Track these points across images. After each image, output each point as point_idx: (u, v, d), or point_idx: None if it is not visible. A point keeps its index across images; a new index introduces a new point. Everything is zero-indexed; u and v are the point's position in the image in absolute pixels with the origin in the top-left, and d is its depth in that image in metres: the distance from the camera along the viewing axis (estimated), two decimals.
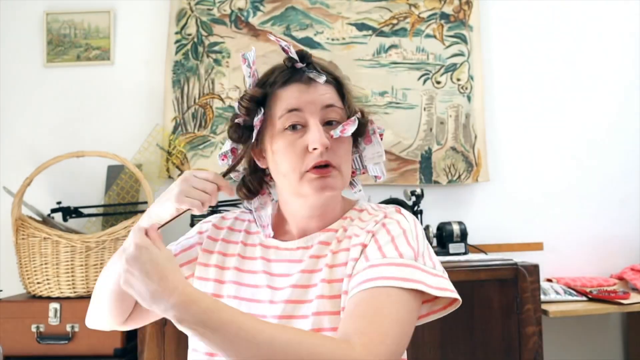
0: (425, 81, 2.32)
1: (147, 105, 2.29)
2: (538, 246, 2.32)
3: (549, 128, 2.38)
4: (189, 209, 0.89)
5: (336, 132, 0.87)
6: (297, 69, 0.90)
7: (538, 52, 2.40)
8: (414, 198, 2.08)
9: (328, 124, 0.88)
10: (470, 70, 2.33)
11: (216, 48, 2.29)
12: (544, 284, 2.03)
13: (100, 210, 2.14)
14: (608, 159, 2.39)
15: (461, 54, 2.34)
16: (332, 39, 2.31)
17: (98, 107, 2.29)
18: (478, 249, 2.17)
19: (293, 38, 2.29)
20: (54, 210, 2.04)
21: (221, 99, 2.27)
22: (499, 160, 2.35)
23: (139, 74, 2.30)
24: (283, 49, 0.89)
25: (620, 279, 2.22)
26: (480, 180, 2.30)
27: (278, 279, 0.91)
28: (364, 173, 0.98)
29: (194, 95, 2.27)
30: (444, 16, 2.34)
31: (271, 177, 0.96)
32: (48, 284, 1.82)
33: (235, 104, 0.93)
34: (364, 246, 0.86)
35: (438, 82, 2.32)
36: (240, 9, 2.30)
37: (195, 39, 2.29)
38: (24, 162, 2.21)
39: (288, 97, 0.87)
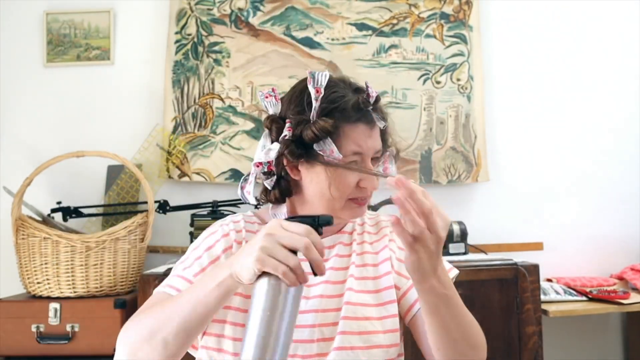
0: (425, 81, 2.32)
1: (147, 105, 2.29)
2: (538, 246, 2.32)
3: (549, 128, 2.38)
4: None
5: (380, 172, 0.98)
6: (364, 108, 0.95)
7: (538, 52, 2.40)
8: None
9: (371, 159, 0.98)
10: (470, 70, 2.33)
11: (216, 48, 2.29)
12: (544, 284, 2.03)
13: (100, 210, 2.14)
14: (608, 159, 2.39)
15: (461, 54, 2.34)
16: (332, 39, 2.31)
17: (98, 107, 2.29)
18: (478, 249, 2.17)
19: (293, 38, 2.29)
20: (54, 210, 2.04)
21: (221, 99, 2.27)
22: (499, 160, 2.35)
23: (139, 74, 2.30)
24: (367, 92, 0.95)
25: (620, 279, 2.22)
26: (480, 180, 2.30)
27: (308, 276, 0.94)
28: None
29: (194, 95, 2.27)
30: (444, 16, 2.34)
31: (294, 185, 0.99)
32: (48, 284, 1.82)
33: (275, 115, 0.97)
34: (392, 251, 1.01)
35: (438, 82, 2.32)
36: (240, 9, 2.30)
37: (195, 39, 2.29)
38: (24, 162, 2.21)
39: (356, 138, 0.93)
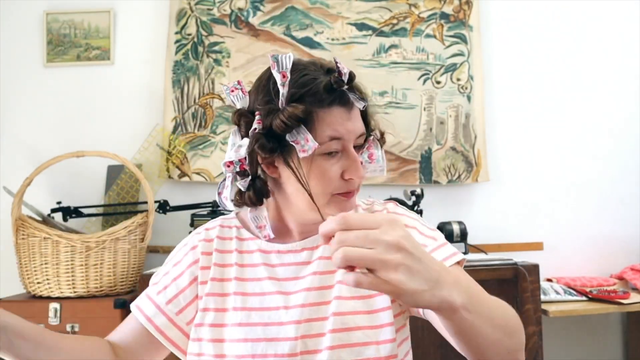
0: (425, 81, 2.32)
1: (147, 105, 2.29)
2: (538, 246, 2.32)
3: (549, 128, 2.38)
4: None
5: (365, 160, 0.90)
6: (340, 89, 0.86)
7: (538, 52, 2.40)
8: (414, 198, 2.08)
9: (354, 146, 0.88)
10: (470, 70, 2.33)
11: (216, 48, 2.29)
12: (544, 284, 2.03)
13: (100, 210, 2.14)
14: (608, 159, 2.39)
15: (461, 54, 2.34)
16: (332, 39, 2.31)
17: (98, 107, 2.29)
18: (478, 249, 2.17)
19: (293, 38, 2.29)
20: (54, 210, 2.04)
21: (221, 99, 2.27)
22: (499, 160, 2.35)
23: (139, 74, 2.30)
24: (338, 70, 0.84)
25: (620, 278, 2.22)
26: (480, 180, 2.30)
27: (287, 283, 0.89)
28: None
29: (194, 95, 2.27)
30: (444, 16, 2.34)
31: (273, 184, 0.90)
32: (48, 284, 1.82)
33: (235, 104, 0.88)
34: None
35: (438, 82, 2.32)
36: (240, 9, 2.30)
37: (195, 39, 2.29)
38: (24, 162, 2.21)
39: (332, 122, 0.84)
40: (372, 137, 0.92)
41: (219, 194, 0.90)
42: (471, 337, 0.69)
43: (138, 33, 2.32)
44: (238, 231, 0.95)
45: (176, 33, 2.29)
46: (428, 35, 2.34)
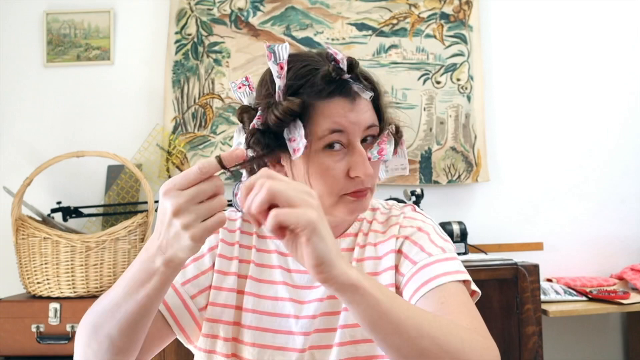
0: (425, 81, 2.32)
1: (147, 105, 2.29)
2: (538, 246, 2.32)
3: (549, 128, 2.38)
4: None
5: (374, 155, 0.81)
6: (341, 79, 0.79)
7: (538, 52, 2.40)
8: (414, 198, 2.08)
9: (363, 140, 0.81)
10: (470, 70, 2.33)
11: (216, 48, 2.29)
12: (544, 284, 2.03)
13: (100, 210, 2.14)
14: (608, 159, 2.39)
15: (461, 54, 2.34)
16: (332, 39, 2.31)
17: (98, 107, 2.29)
18: (478, 249, 2.17)
19: (293, 38, 2.29)
20: (54, 210, 2.04)
21: (221, 99, 2.27)
22: (499, 160, 2.35)
23: (139, 74, 2.30)
24: (334, 58, 0.79)
25: (620, 279, 2.22)
26: (480, 180, 2.30)
27: (302, 291, 0.85)
28: None
29: (194, 95, 2.27)
30: (444, 16, 2.34)
31: None
32: (48, 284, 1.82)
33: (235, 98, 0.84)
34: (398, 252, 0.84)
35: (438, 82, 2.32)
36: (240, 9, 2.30)
37: (195, 39, 2.29)
38: (24, 162, 2.21)
39: (333, 114, 0.77)
40: (386, 132, 0.84)
41: (235, 195, 0.83)
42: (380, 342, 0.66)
43: (138, 33, 2.32)
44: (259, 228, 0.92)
45: (176, 33, 2.29)
46: (428, 35, 2.34)
